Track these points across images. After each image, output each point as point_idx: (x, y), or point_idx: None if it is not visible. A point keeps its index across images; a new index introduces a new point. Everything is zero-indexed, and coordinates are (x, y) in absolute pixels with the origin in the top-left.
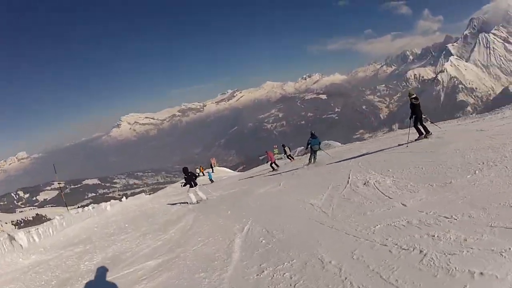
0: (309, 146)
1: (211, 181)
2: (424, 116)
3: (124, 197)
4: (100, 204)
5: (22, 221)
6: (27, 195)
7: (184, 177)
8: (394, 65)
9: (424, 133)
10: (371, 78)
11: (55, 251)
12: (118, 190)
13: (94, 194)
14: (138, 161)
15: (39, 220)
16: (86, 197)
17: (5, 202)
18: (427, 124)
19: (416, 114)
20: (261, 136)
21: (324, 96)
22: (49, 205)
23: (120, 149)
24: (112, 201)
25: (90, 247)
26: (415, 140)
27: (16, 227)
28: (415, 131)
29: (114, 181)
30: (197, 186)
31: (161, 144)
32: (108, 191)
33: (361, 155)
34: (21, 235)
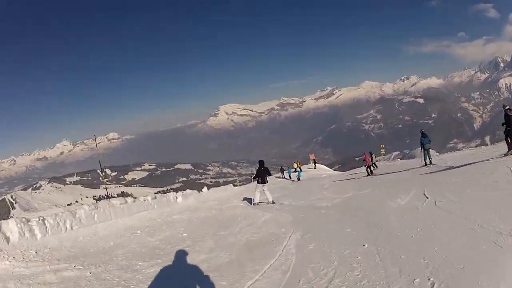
0: (422, 145)
1: (298, 179)
2: None
3: (206, 188)
4: (168, 194)
5: (105, 197)
6: (114, 173)
7: (256, 169)
8: (487, 72)
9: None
10: (466, 84)
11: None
12: (211, 177)
13: (185, 179)
14: (234, 151)
15: (124, 197)
16: (176, 180)
17: (89, 178)
18: None
19: (510, 127)
20: (358, 136)
21: (421, 100)
22: (137, 185)
23: (216, 138)
24: (187, 191)
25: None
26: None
27: (97, 202)
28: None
29: (208, 168)
30: (267, 184)
31: (259, 136)
32: (200, 177)
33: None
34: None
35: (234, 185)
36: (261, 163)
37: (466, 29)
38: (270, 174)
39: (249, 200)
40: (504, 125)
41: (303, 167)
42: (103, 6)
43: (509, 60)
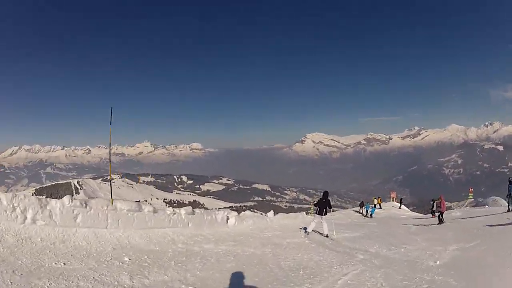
0: (510, 193)
1: (371, 216)
2: None
3: (272, 212)
4: (218, 212)
5: (176, 202)
6: (190, 181)
7: (319, 199)
8: None
9: None
10: None
11: None
12: (286, 201)
13: (261, 199)
14: (315, 179)
15: (194, 205)
16: (251, 199)
17: (164, 181)
18: None
19: None
20: (438, 180)
21: (501, 148)
22: (211, 196)
23: (300, 164)
24: (247, 212)
25: None
26: None
27: (167, 205)
28: None
29: (285, 191)
30: (325, 216)
31: (341, 168)
32: (276, 200)
33: None
34: None
35: (307, 213)
36: (325, 194)
37: None
38: (331, 207)
39: (322, 239)
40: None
41: (384, 205)
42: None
43: None
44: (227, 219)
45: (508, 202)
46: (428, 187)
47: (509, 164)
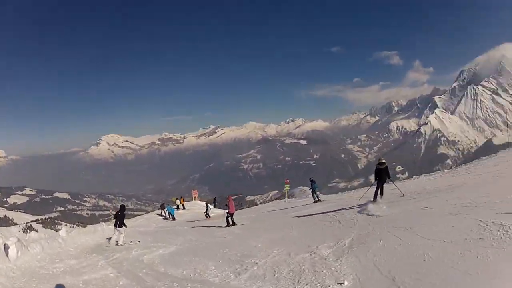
0: (313, 189)
1: (173, 218)
2: (390, 180)
3: (64, 231)
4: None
5: None
6: None
7: (117, 213)
8: (378, 116)
9: (376, 198)
10: (354, 127)
11: None
12: (87, 209)
13: (63, 209)
14: (112, 183)
15: (5, 222)
16: (55, 209)
17: None
18: (390, 188)
19: (378, 179)
20: (237, 175)
21: (304, 142)
22: (18, 210)
23: (96, 168)
24: (32, 234)
25: None
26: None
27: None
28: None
29: (85, 199)
30: (123, 227)
31: (137, 170)
32: (77, 208)
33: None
34: None
35: (106, 221)
36: (122, 207)
37: (364, 74)
38: (125, 224)
39: (129, 262)
40: (376, 177)
41: (187, 204)
42: None
43: (405, 104)
44: (6, 248)
45: (312, 195)
46: (228, 183)
47: (315, 156)
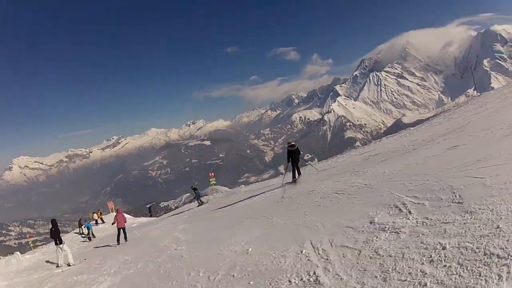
0: (198, 196)
1: (92, 234)
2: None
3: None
4: None
5: None
6: None
7: (51, 230)
8: (279, 109)
9: (295, 177)
10: (255, 123)
11: None
12: (14, 238)
13: None
14: (30, 208)
15: None
16: (31, 236)
17: None
18: (306, 167)
19: (292, 160)
20: (147, 183)
21: (208, 142)
22: None
23: (13, 194)
24: None
25: None
26: (289, 182)
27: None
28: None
29: (9, 228)
30: (64, 243)
31: (50, 191)
32: (5, 239)
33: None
34: None
35: (32, 247)
36: (53, 222)
37: (261, 72)
38: (58, 231)
39: None
40: (288, 160)
41: (106, 217)
42: None
43: (305, 96)
44: None
45: (197, 200)
46: (139, 192)
47: (220, 155)
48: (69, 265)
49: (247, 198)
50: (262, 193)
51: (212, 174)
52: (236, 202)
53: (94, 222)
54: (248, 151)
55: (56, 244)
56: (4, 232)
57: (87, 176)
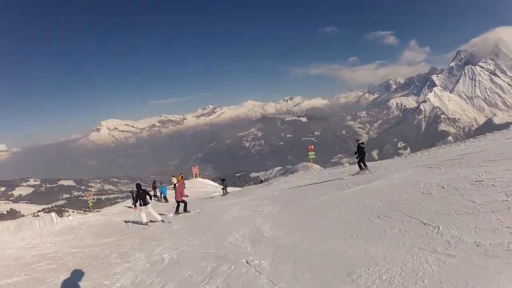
0: (225, 187)
1: (165, 199)
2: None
3: (83, 212)
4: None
5: None
6: (3, 189)
7: (135, 194)
8: (376, 93)
9: (362, 169)
10: (353, 105)
11: None
12: (93, 194)
13: (69, 196)
14: (115, 167)
15: (12, 215)
16: (60, 197)
17: None
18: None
19: (361, 155)
20: (239, 153)
21: (304, 119)
22: (24, 201)
23: (98, 154)
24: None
25: None
26: (355, 173)
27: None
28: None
29: (90, 184)
30: (149, 205)
31: (139, 152)
32: (83, 194)
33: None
34: None
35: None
36: (138, 186)
37: (360, 54)
38: (150, 196)
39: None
40: (357, 154)
41: (188, 183)
42: None
43: (403, 82)
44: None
45: (223, 190)
46: (230, 161)
47: (316, 133)
48: (162, 221)
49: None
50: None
51: (312, 146)
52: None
53: (172, 186)
54: (344, 132)
55: (141, 205)
56: (83, 187)
57: (178, 142)
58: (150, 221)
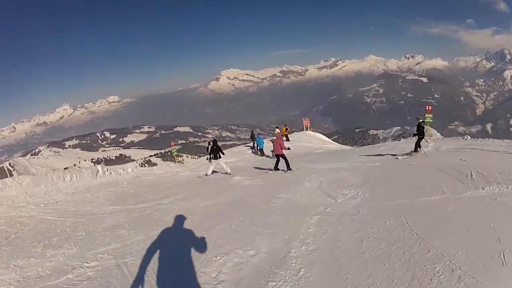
0: (258, 144)
1: (261, 152)
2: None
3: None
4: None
5: (103, 159)
6: (113, 136)
7: (211, 147)
8: (493, 61)
9: (416, 151)
10: (471, 70)
11: None
12: (210, 140)
13: (184, 141)
14: (234, 115)
15: (121, 160)
16: (175, 143)
17: (88, 141)
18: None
19: (421, 136)
20: (360, 109)
21: (425, 79)
22: (136, 147)
23: (217, 102)
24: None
25: None
26: (408, 153)
27: (95, 165)
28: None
29: (207, 131)
30: (220, 159)
31: (259, 101)
32: (199, 140)
33: None
34: None
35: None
36: (215, 142)
37: (475, 17)
38: (222, 152)
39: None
40: (416, 134)
41: (294, 135)
42: None
43: None
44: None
45: (255, 150)
46: (351, 116)
47: (435, 96)
48: (229, 174)
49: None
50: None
51: (430, 107)
52: None
53: (272, 137)
54: (462, 98)
55: (214, 158)
56: (200, 134)
57: (300, 93)
58: (213, 172)
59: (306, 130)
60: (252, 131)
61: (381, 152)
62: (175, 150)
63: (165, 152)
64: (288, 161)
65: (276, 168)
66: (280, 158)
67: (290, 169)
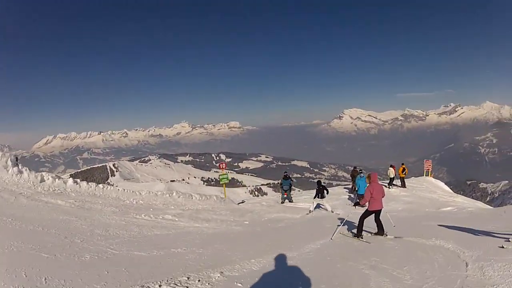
0: (289, 188)
1: (359, 197)
2: None
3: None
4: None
5: (214, 180)
6: (229, 160)
7: (317, 189)
8: None
9: None
10: None
11: None
12: (325, 178)
13: (300, 176)
14: (353, 156)
15: (232, 183)
16: (290, 176)
17: (202, 160)
18: None
19: None
20: (473, 159)
21: None
22: (249, 174)
23: (337, 140)
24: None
25: None
26: None
27: (205, 183)
28: None
29: (323, 168)
30: (324, 198)
31: (379, 144)
32: (315, 176)
33: None
34: None
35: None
36: (319, 183)
37: None
38: (327, 191)
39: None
40: None
41: (412, 180)
42: None
43: None
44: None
45: (282, 195)
46: (464, 166)
47: None
48: (332, 211)
49: None
50: None
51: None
52: None
53: (389, 181)
54: None
55: (318, 197)
56: (316, 170)
57: (419, 138)
58: (315, 209)
59: (426, 175)
60: (355, 167)
61: None
62: (224, 175)
63: (278, 183)
64: (362, 222)
65: (380, 231)
66: (375, 214)
67: (361, 236)
